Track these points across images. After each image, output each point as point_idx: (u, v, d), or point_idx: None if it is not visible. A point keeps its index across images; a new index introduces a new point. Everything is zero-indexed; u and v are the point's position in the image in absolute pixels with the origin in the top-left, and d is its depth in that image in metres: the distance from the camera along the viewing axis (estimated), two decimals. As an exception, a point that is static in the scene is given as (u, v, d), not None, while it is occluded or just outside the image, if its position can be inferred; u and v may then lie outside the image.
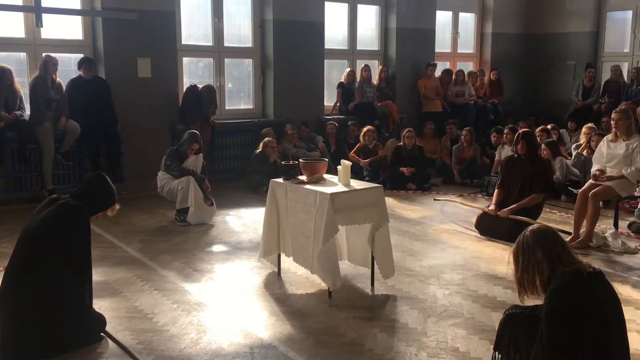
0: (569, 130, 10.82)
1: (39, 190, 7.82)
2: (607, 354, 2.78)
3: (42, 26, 8.00)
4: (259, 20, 10.02)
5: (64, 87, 8.04)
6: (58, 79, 7.94)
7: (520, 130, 7.01)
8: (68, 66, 8.51)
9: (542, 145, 8.54)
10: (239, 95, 10.42)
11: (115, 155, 8.45)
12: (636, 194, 6.75)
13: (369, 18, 11.48)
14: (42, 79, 7.73)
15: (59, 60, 7.97)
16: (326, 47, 10.54)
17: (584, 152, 8.62)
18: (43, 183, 7.88)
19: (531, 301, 3.07)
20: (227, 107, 10.04)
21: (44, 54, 7.99)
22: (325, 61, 10.58)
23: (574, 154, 8.83)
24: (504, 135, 9.34)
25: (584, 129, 9.03)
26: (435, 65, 11.61)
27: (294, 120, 9.81)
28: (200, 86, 9.11)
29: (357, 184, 5.03)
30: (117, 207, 4.19)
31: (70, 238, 3.82)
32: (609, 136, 6.51)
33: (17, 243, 3.87)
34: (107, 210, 4.12)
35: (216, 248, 6.20)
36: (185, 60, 9.54)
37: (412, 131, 9.47)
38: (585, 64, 12.32)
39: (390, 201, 7.87)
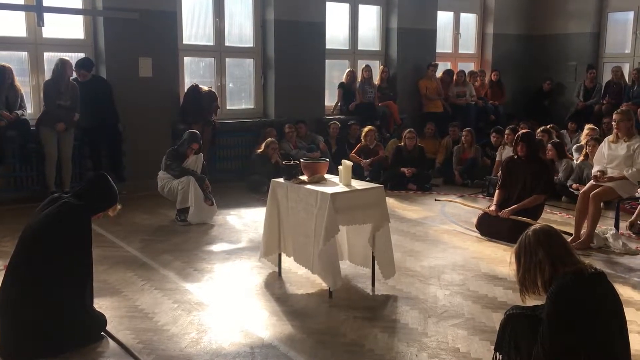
0: (569, 131, 10.81)
1: (41, 189, 7.81)
2: (608, 355, 2.78)
3: (43, 25, 7.98)
4: (260, 20, 10.02)
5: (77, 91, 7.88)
6: (72, 81, 7.84)
7: (520, 132, 7.00)
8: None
9: (548, 146, 8.51)
10: (240, 95, 10.42)
11: (116, 154, 8.44)
12: (637, 195, 6.74)
13: (370, 18, 11.48)
14: (53, 83, 7.68)
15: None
16: (327, 47, 10.54)
17: (582, 158, 8.47)
18: (46, 185, 7.88)
19: (532, 301, 3.07)
20: (228, 107, 10.03)
21: (59, 57, 7.88)
22: (326, 61, 10.58)
23: (575, 162, 8.69)
24: (505, 136, 9.33)
25: (585, 130, 9.01)
26: (436, 66, 11.60)
27: (295, 121, 9.80)
28: (201, 86, 9.10)
29: (358, 184, 5.02)
30: (119, 207, 4.19)
31: (71, 237, 3.82)
32: (610, 137, 6.50)
33: (17, 242, 3.87)
34: (108, 210, 4.11)
35: (217, 248, 6.19)
36: (186, 60, 9.53)
37: (413, 132, 9.48)
38: (587, 65, 12.32)
39: (391, 201, 7.86)
